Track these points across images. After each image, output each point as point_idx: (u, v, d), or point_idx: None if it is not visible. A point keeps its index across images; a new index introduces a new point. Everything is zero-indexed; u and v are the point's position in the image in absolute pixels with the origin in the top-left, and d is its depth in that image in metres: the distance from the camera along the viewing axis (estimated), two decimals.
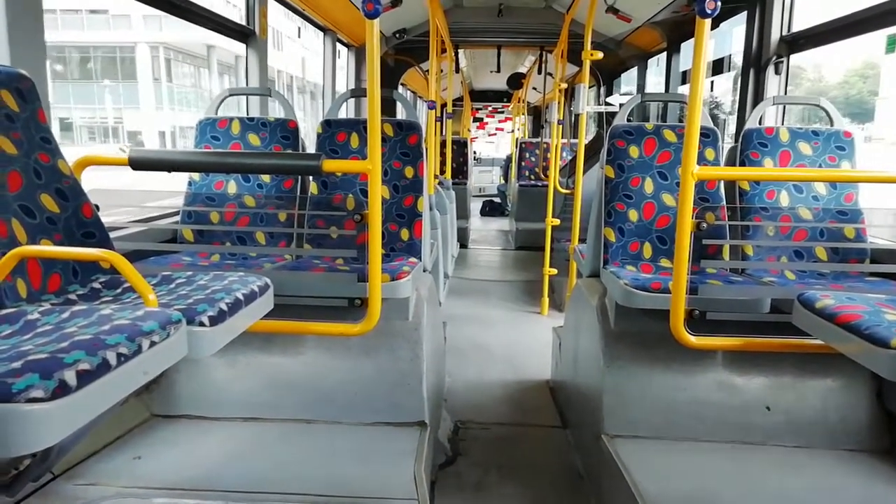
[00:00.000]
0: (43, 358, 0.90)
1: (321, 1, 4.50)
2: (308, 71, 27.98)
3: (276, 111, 3.45)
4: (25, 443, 0.83)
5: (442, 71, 5.34)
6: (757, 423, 2.04)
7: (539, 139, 8.77)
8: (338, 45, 5.43)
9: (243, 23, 3.49)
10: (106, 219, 1.70)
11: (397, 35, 6.09)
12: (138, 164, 1.69)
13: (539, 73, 7.38)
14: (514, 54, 8.99)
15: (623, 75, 7.42)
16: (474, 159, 14.27)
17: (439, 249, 3.86)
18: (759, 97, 3.39)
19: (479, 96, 14.35)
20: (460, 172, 8.80)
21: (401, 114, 6.74)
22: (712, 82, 5.20)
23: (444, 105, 6.29)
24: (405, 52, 6.63)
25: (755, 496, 1.71)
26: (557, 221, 4.72)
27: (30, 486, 1.62)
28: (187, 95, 32.20)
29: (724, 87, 5.22)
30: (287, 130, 2.78)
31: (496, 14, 5.89)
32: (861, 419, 2.02)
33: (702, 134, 2.43)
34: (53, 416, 0.84)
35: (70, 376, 0.88)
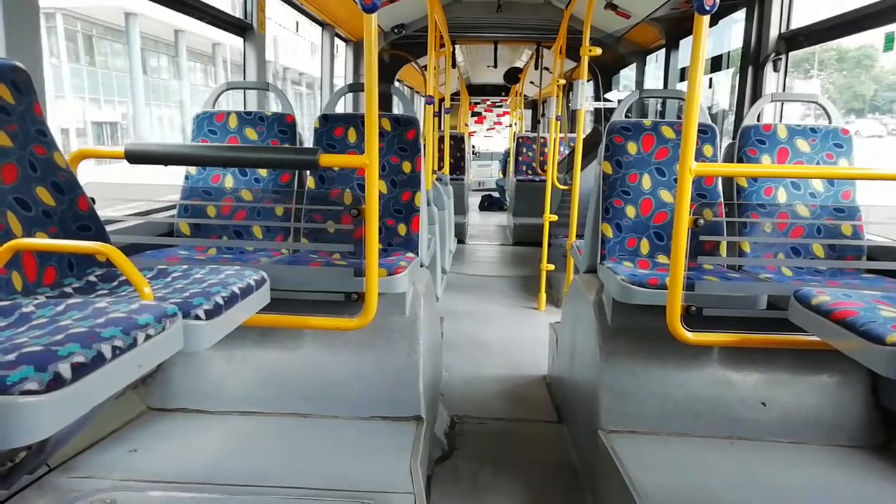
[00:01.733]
0: (37, 350, 0.90)
1: None
2: (282, 54, 22.57)
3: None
4: (20, 435, 0.83)
5: (439, 66, 5.33)
6: (752, 418, 2.05)
7: (536, 134, 8.76)
8: (336, 39, 5.42)
9: (240, 16, 3.48)
10: (102, 212, 1.70)
11: (395, 30, 6.08)
12: (134, 157, 1.69)
13: (536, 68, 7.37)
14: (511, 49, 8.98)
15: (622, 72, 7.42)
16: (473, 154, 14.26)
17: (437, 245, 3.86)
18: (757, 94, 3.39)
19: (477, 90, 14.33)
20: (458, 168, 8.80)
21: (397, 109, 6.73)
22: (711, 79, 5.20)
23: (441, 100, 6.28)
24: (401, 47, 6.61)
25: (750, 491, 1.72)
26: (555, 217, 4.72)
27: (25, 478, 1.62)
28: (111, 80, 21.75)
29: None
30: (284, 125, 2.77)
31: (495, 9, 5.88)
32: (856, 415, 2.03)
33: (700, 130, 2.43)
34: (48, 409, 0.84)
35: (65, 369, 0.87)
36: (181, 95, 21.75)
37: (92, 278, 1.52)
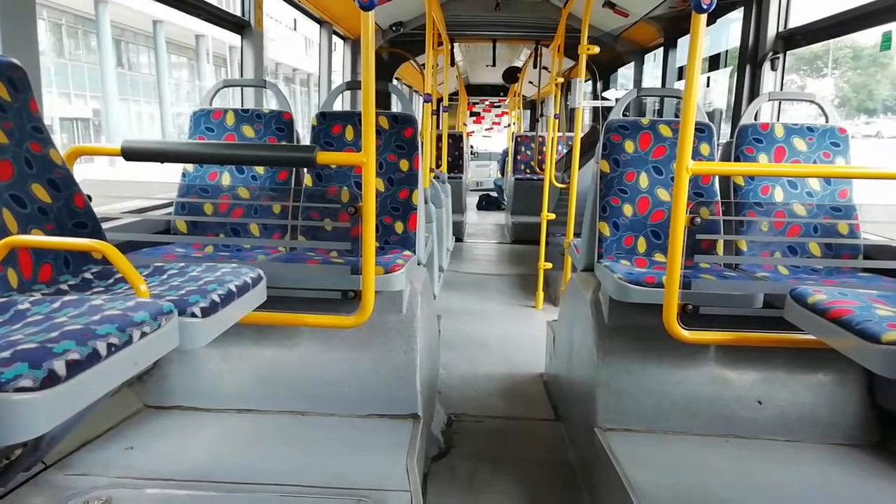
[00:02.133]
0: (32, 348, 0.90)
1: None
2: (274, 48, 21.17)
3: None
4: (14, 432, 0.83)
5: (438, 65, 5.32)
6: (748, 417, 2.05)
7: (535, 133, 8.77)
8: (334, 37, 5.41)
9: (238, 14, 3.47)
10: (98, 209, 1.69)
11: (394, 28, 6.07)
12: (131, 154, 1.68)
13: (534, 67, 7.37)
14: (510, 48, 8.98)
15: (619, 71, 7.43)
16: (471, 154, 14.24)
17: (434, 243, 3.85)
18: (754, 93, 3.39)
19: (476, 90, 14.31)
20: (456, 166, 8.80)
21: (396, 107, 6.72)
22: (708, 78, 5.20)
23: (440, 99, 6.27)
24: (400, 45, 6.61)
25: (746, 489, 1.72)
26: (553, 216, 4.72)
27: (21, 476, 1.61)
28: (82, 73, 19.74)
29: None
30: (282, 122, 2.77)
31: (493, 7, 5.88)
32: (852, 414, 2.03)
33: (697, 129, 2.43)
34: (42, 406, 0.84)
35: (59, 366, 0.87)
36: (161, 90, 20.67)
37: (88, 275, 1.52)
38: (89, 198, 1.65)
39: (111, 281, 1.51)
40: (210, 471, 1.74)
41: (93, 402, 0.96)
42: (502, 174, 10.91)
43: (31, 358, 0.86)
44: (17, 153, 1.47)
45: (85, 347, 0.93)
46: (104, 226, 1.70)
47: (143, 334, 1.08)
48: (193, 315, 1.27)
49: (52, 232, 1.52)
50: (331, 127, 2.73)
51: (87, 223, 1.62)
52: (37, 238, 1.42)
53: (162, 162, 1.76)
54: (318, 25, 5.22)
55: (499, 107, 16.47)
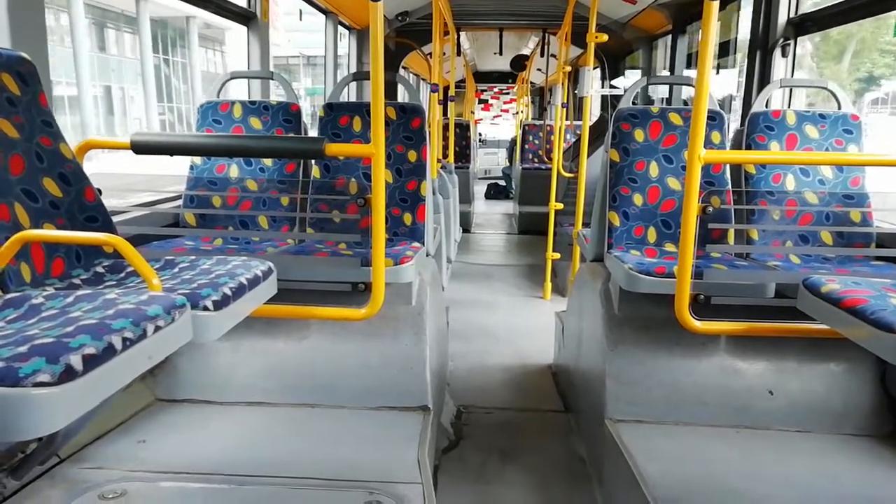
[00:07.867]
0: (49, 342, 0.90)
1: None
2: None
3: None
4: (32, 427, 0.83)
5: (444, 54, 5.29)
6: (760, 407, 2.05)
7: (542, 122, 8.71)
8: (339, 28, 5.38)
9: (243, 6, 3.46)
10: (108, 202, 1.70)
11: (400, 17, 6.04)
12: (140, 147, 1.68)
13: (542, 55, 7.32)
14: (517, 36, 8.91)
15: (627, 58, 7.36)
16: (479, 141, 14.15)
17: (442, 234, 3.85)
18: (765, 80, 3.35)
19: (484, 77, 14.21)
20: (463, 156, 8.77)
21: (402, 97, 6.69)
22: (718, 65, 5.15)
23: (446, 88, 6.24)
24: (406, 34, 6.57)
25: (757, 480, 1.72)
26: (561, 205, 4.71)
27: (36, 469, 1.63)
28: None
29: None
30: (289, 114, 2.76)
31: None
32: (864, 404, 2.02)
33: (708, 117, 2.41)
34: (60, 401, 0.84)
35: (76, 361, 0.88)
36: (143, 76, 19.46)
37: (99, 269, 1.53)
38: (99, 191, 1.66)
39: (123, 275, 1.51)
40: (222, 463, 1.75)
41: (108, 396, 0.96)
42: (510, 162, 10.85)
43: (48, 353, 0.87)
44: (27, 147, 1.47)
45: (100, 342, 0.94)
46: (114, 219, 1.71)
47: (157, 328, 1.08)
48: (206, 308, 1.27)
49: (64, 226, 1.52)
50: (338, 118, 2.72)
51: (98, 217, 1.63)
52: (49, 232, 1.43)
53: (171, 155, 1.76)
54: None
55: (507, 94, 16.34)
